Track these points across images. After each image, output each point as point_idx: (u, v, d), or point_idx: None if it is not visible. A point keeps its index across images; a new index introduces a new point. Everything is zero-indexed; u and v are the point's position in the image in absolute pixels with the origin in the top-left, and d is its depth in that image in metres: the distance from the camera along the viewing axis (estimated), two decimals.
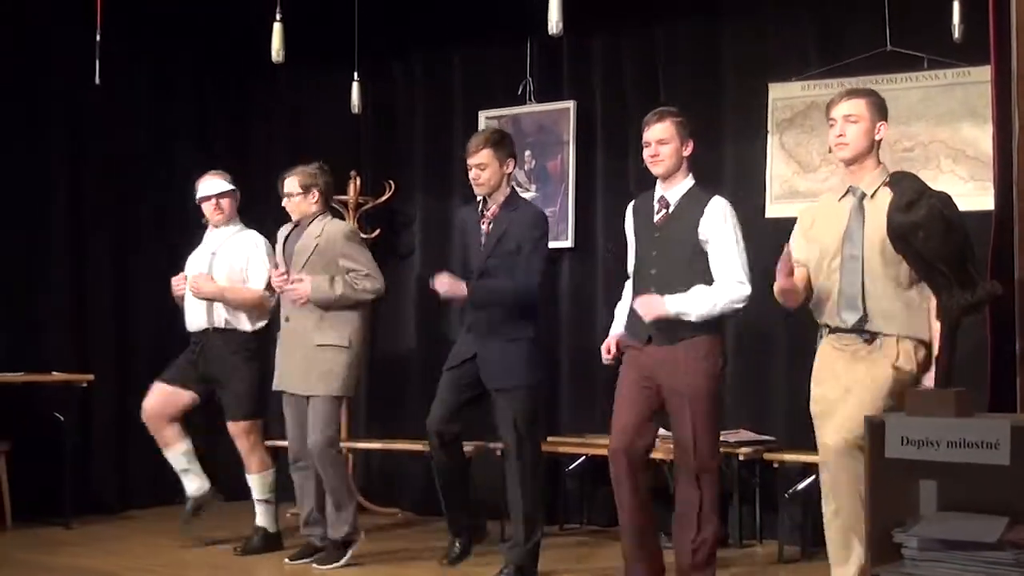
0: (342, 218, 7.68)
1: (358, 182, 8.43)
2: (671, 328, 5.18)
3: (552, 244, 7.51)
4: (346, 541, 6.30)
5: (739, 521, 7.01)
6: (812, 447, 6.52)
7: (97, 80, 6.78)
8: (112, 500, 8.06)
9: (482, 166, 5.95)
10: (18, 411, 7.47)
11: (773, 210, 7.10)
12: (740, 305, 5.21)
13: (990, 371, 3.46)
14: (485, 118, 8.16)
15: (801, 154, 7.04)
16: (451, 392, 5.98)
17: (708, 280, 5.22)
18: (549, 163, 7.98)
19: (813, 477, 6.31)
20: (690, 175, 5.38)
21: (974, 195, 6.30)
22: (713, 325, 5.23)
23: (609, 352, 5.48)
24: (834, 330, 4.55)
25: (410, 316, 8.47)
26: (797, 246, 4.81)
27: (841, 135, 4.63)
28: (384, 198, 8.42)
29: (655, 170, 5.36)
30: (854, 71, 6.78)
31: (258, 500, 6.76)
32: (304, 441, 6.30)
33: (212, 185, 7.00)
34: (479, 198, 6.05)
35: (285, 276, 6.38)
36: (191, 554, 6.74)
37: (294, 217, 6.57)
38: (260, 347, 6.83)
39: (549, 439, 7.51)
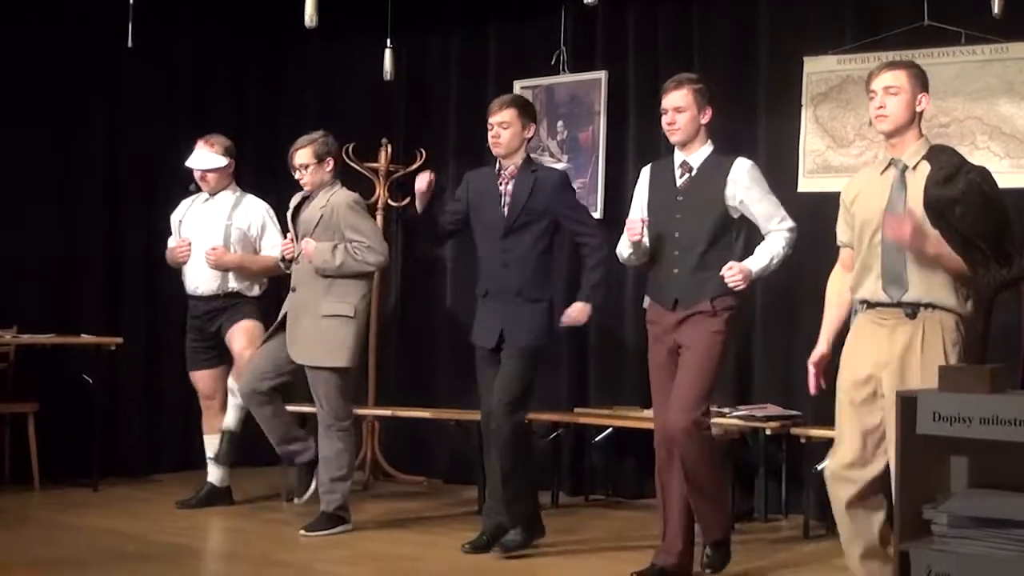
0: (359, 187, 7.67)
1: (389, 150, 8.42)
2: (697, 289, 5.23)
3: None
4: (338, 517, 6.30)
5: (765, 496, 7.01)
6: None
7: (130, 43, 6.79)
8: (139, 463, 8.10)
9: (504, 124, 5.89)
10: (47, 373, 7.52)
11: (805, 184, 7.06)
12: (793, 237, 5.40)
13: (1022, 352, 3.43)
14: (519, 87, 8.12)
15: (836, 128, 6.99)
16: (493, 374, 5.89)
17: (732, 244, 5.31)
18: (581, 134, 7.95)
19: None
20: (709, 141, 5.39)
21: (1009, 172, 6.25)
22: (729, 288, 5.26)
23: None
24: (873, 305, 4.46)
25: (442, 284, 8.47)
26: (841, 228, 4.73)
27: (881, 107, 4.51)
28: (415, 166, 8.40)
29: (672, 138, 5.37)
30: (890, 46, 6.72)
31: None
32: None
33: (199, 159, 7.13)
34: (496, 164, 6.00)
35: (291, 244, 6.46)
36: (216, 517, 6.77)
37: (309, 188, 6.53)
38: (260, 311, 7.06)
39: (576, 411, 7.52)
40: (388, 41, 7.51)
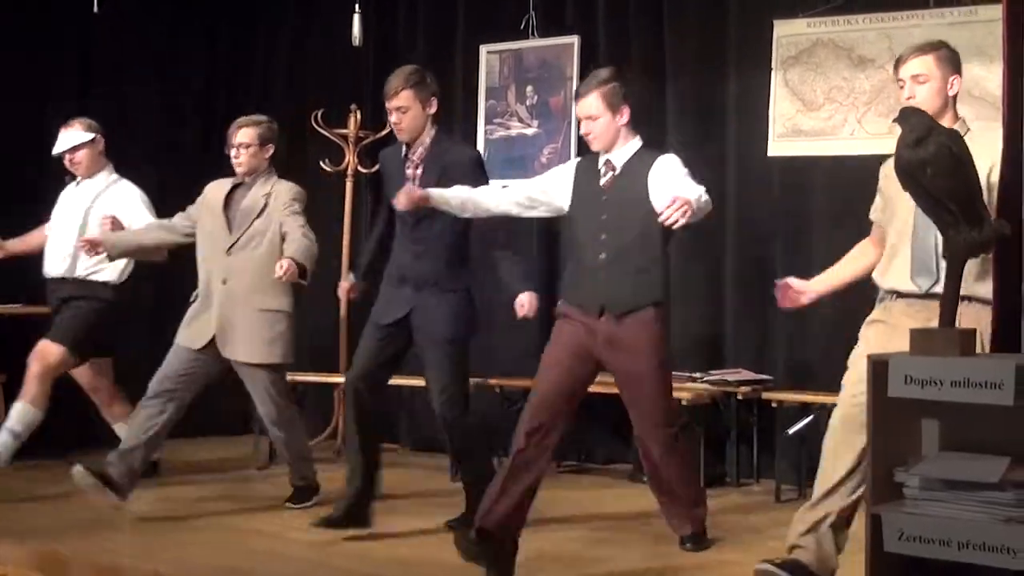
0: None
1: (358, 115, 8.37)
2: (628, 295, 4.93)
3: None
4: (313, 486, 6.29)
5: (736, 460, 7.03)
6: (810, 387, 6.60)
7: (95, 8, 6.72)
8: (111, 435, 8.03)
9: (403, 109, 5.56)
10: (15, 344, 7.44)
11: (775, 148, 7.07)
12: (709, 200, 4.74)
13: (995, 311, 3.43)
14: (487, 52, 8.10)
15: (805, 92, 6.98)
16: (377, 345, 5.63)
17: (661, 246, 4.98)
18: (552, 99, 7.92)
19: (811, 417, 6.34)
20: (636, 137, 5.11)
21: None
22: (662, 291, 5.01)
23: None
24: (904, 295, 4.20)
25: None
26: (875, 204, 4.47)
27: (911, 97, 4.23)
28: (384, 132, 8.34)
29: (592, 147, 5.09)
30: (860, 9, 6.74)
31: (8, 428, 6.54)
32: (175, 380, 5.98)
33: (64, 140, 6.79)
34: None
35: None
36: (193, 486, 6.77)
37: (242, 171, 6.14)
38: (120, 303, 6.73)
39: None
40: (356, 6, 7.46)
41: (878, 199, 4.45)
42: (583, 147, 7.73)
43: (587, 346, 4.94)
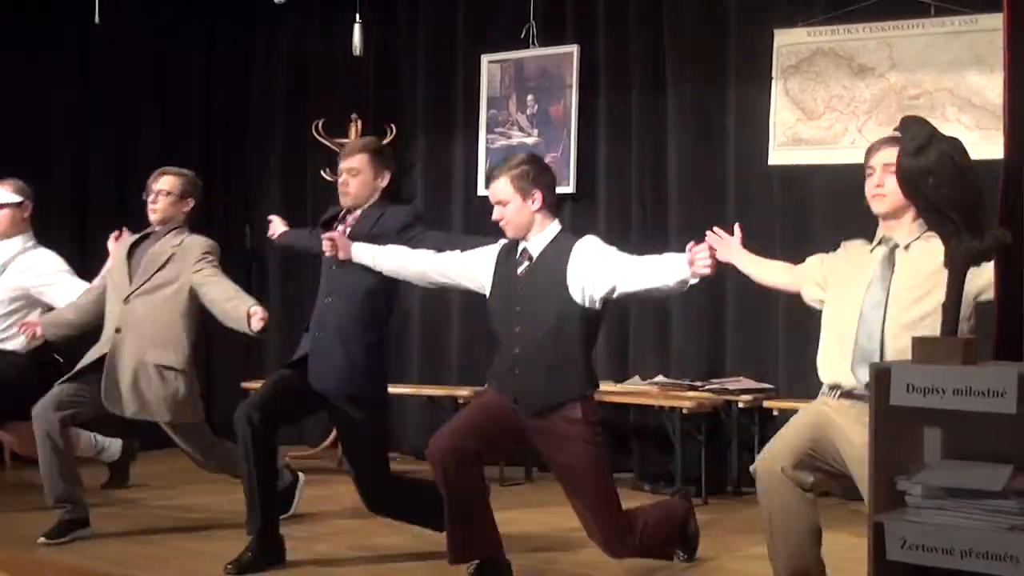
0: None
1: (359, 125, 8.38)
2: (541, 393, 4.59)
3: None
4: (284, 488, 5.97)
5: (738, 468, 7.02)
6: (811, 395, 6.58)
7: (97, 19, 6.72)
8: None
9: (354, 171, 5.30)
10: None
11: (776, 157, 7.08)
12: None
13: (996, 320, 3.43)
14: (488, 62, 8.11)
15: (806, 101, 6.99)
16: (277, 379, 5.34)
17: (576, 345, 4.59)
18: (552, 108, 7.92)
19: None
20: (555, 222, 4.74)
21: (980, 144, 6.24)
22: (582, 386, 4.62)
23: None
24: (845, 394, 4.09)
25: None
26: (807, 291, 4.44)
27: (879, 185, 4.16)
28: (386, 141, 8.34)
29: (507, 233, 4.76)
30: (860, 18, 6.74)
31: None
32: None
33: None
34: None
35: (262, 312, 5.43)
36: (176, 497, 6.76)
37: (156, 218, 5.80)
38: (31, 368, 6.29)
39: None
40: (357, 16, 7.47)
41: (819, 270, 4.41)
42: (582, 155, 7.82)
43: (516, 423, 4.68)
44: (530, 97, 7.98)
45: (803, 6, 7.03)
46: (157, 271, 5.69)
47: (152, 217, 5.82)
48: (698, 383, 7.04)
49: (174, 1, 8.60)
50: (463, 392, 7.36)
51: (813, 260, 4.51)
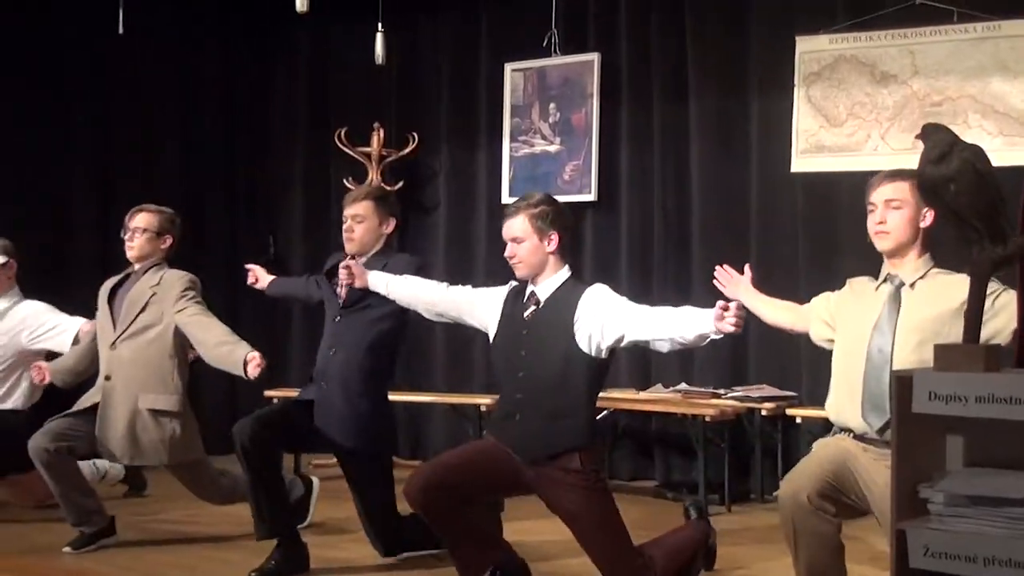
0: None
1: (381, 134, 8.41)
2: (541, 442, 4.47)
3: (575, 198, 7.56)
4: (297, 500, 5.95)
5: (761, 476, 7.01)
6: None
7: (120, 30, 6.76)
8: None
9: (359, 218, 5.29)
10: None
11: (799, 164, 7.06)
12: None
13: (1019, 327, 3.42)
14: (511, 70, 8.12)
15: (828, 108, 6.98)
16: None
17: (580, 394, 4.48)
18: (573, 116, 7.94)
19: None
20: (565, 267, 4.63)
21: (1003, 150, 6.25)
22: (583, 437, 4.47)
23: None
24: (858, 437, 4.08)
25: (437, 268, 8.46)
26: (815, 330, 4.43)
27: (882, 222, 4.15)
28: (408, 150, 8.40)
29: (516, 273, 4.65)
30: (883, 24, 6.74)
31: None
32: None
33: None
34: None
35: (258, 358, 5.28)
36: (190, 509, 6.78)
37: (133, 255, 5.73)
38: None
39: None
40: (379, 25, 7.50)
41: (826, 309, 4.39)
42: (603, 163, 7.82)
43: (515, 467, 4.54)
44: (552, 105, 8.00)
45: (825, 13, 7.02)
46: (139, 314, 5.61)
47: (129, 255, 5.76)
48: (721, 391, 7.04)
49: (196, 12, 8.66)
50: (486, 400, 7.36)
51: (820, 299, 4.49)
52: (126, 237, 5.76)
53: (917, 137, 3.27)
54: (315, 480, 6.22)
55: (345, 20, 8.41)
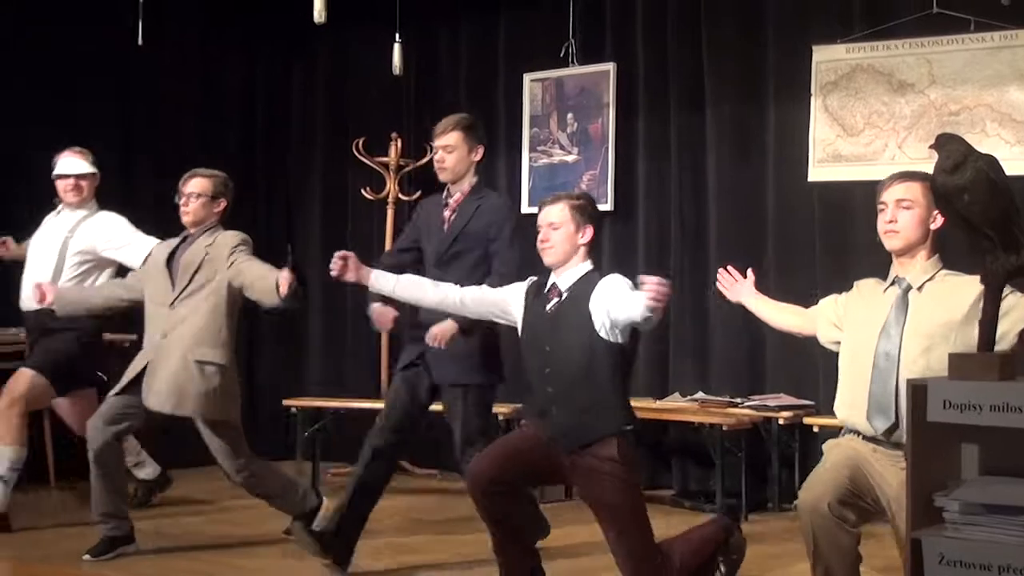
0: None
1: (399, 144, 8.44)
2: (577, 433, 4.53)
3: None
4: (312, 510, 5.83)
5: (778, 485, 7.01)
6: None
7: (140, 41, 6.80)
8: (153, 458, 8.10)
9: (449, 148, 5.52)
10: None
11: (816, 174, 7.07)
12: None
13: None
14: (530, 80, 8.15)
15: (845, 117, 6.99)
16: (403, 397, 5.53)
17: (608, 381, 4.54)
18: (590, 126, 7.95)
19: None
20: (588, 260, 4.71)
21: (1020, 159, 6.25)
22: (619, 422, 4.54)
23: None
24: (867, 438, 4.12)
25: None
26: (823, 332, 4.50)
27: (892, 221, 4.12)
28: (425, 160, 8.41)
29: (545, 258, 4.72)
30: (900, 34, 6.74)
31: None
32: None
33: (72, 164, 6.60)
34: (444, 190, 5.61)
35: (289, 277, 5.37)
36: (202, 515, 6.81)
37: (189, 220, 5.82)
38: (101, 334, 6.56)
39: None
40: (397, 35, 7.53)
41: (834, 311, 4.43)
42: (620, 173, 7.83)
43: (551, 455, 4.62)
44: (570, 115, 8.02)
45: (842, 23, 7.03)
46: (195, 274, 5.71)
47: (185, 220, 5.84)
48: (738, 400, 7.04)
49: (215, 23, 8.70)
50: (502, 409, 7.37)
51: (827, 301, 4.51)
52: (181, 202, 5.83)
53: (931, 147, 3.28)
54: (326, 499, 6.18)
55: (363, 30, 8.45)
